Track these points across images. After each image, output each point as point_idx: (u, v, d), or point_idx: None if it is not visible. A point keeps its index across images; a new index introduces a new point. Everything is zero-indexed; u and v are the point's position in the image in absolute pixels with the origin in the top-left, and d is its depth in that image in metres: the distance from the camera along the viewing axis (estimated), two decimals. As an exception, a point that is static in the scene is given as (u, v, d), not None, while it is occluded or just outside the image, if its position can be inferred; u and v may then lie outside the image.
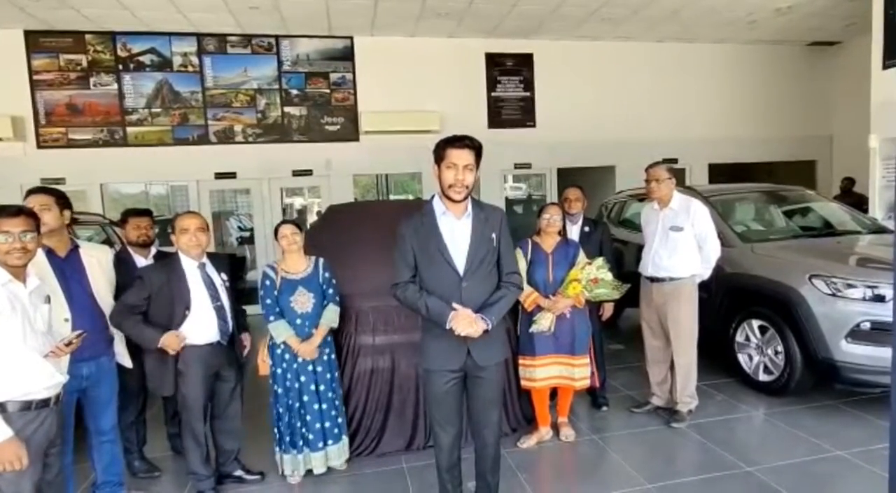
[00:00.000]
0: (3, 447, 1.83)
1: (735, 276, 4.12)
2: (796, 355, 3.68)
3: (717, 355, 4.35)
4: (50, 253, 2.47)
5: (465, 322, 2.14)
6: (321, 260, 3.11)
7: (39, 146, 6.95)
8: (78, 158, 6.98)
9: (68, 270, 2.52)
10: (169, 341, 2.67)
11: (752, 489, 2.81)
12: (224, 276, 2.86)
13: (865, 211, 5.73)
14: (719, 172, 8.82)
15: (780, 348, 3.80)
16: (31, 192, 2.57)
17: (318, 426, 3.00)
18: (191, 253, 2.75)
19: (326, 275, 3.09)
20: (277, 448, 3.07)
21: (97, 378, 2.58)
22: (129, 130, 7.17)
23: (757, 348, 4.01)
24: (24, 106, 6.86)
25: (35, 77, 6.89)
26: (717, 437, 3.38)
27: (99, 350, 2.59)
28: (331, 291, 3.08)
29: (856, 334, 3.42)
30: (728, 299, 4.19)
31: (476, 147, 2.22)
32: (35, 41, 6.85)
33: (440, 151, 2.23)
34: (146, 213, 3.28)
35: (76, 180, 6.97)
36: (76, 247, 2.61)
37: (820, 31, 8.32)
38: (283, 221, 3.10)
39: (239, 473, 3.04)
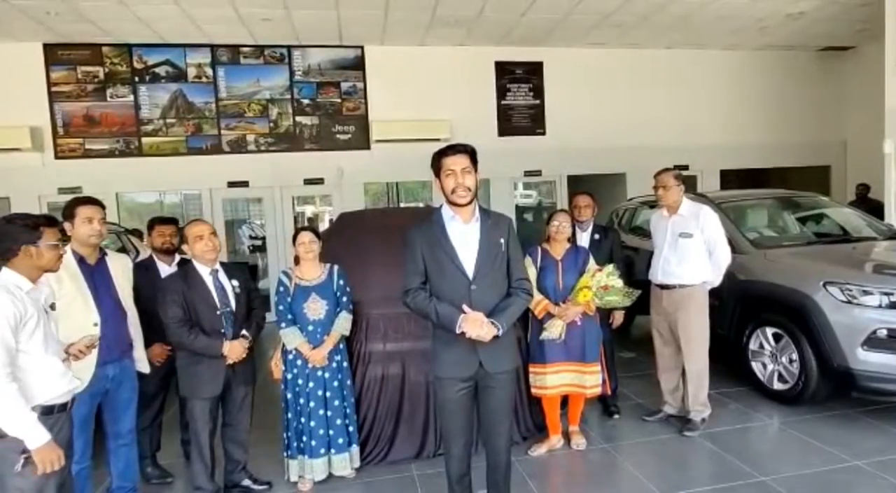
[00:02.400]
0: (46, 449, 1.90)
1: (748, 283, 4.08)
2: (811, 364, 3.62)
3: (730, 363, 4.30)
4: (81, 261, 2.57)
5: (476, 325, 2.15)
6: (336, 267, 3.14)
7: (57, 156, 7.08)
8: (94, 168, 7.09)
9: (98, 276, 2.61)
10: (233, 351, 2.75)
11: (766, 500, 2.78)
12: (235, 282, 2.89)
13: (881, 217, 5.66)
14: (731, 179, 8.76)
15: (794, 356, 3.75)
16: (83, 202, 2.61)
17: (321, 432, 3.00)
18: (206, 258, 2.79)
19: (341, 282, 3.11)
20: (285, 453, 3.09)
21: (120, 380, 2.66)
22: (145, 140, 7.30)
23: (771, 356, 3.96)
24: (43, 117, 7.01)
25: (53, 89, 7.04)
26: (731, 446, 3.34)
27: (122, 353, 2.68)
28: (344, 298, 3.11)
29: (872, 342, 3.37)
30: (741, 307, 4.14)
31: (469, 151, 2.26)
32: (53, 54, 7.00)
33: (436, 163, 2.28)
34: (172, 221, 3.39)
35: (92, 190, 6.99)
36: (104, 255, 2.71)
37: (832, 37, 8.25)
38: (302, 228, 3.14)
39: (246, 483, 3.04)
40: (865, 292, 3.44)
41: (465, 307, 2.18)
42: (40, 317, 1.98)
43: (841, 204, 5.51)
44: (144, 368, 2.82)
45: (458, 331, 2.16)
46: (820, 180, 9.00)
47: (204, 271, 2.82)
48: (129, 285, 2.78)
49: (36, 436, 1.88)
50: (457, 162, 2.23)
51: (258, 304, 3.04)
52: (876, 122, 6.10)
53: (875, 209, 6.22)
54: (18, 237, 1.97)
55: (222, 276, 2.87)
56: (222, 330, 2.79)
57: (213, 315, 2.77)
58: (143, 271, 3.11)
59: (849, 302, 3.46)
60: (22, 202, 6.71)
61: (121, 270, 2.75)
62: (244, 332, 2.88)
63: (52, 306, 2.18)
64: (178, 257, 3.34)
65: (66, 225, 2.49)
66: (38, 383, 1.97)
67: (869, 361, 3.36)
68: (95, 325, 2.49)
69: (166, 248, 3.27)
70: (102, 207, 2.66)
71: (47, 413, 1.99)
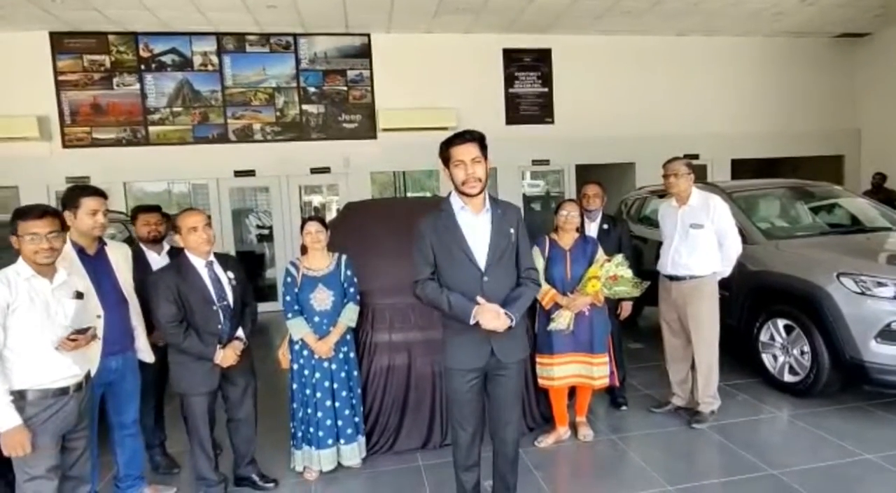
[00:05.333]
0: (10, 434, 1.97)
1: (759, 274, 4.02)
2: (823, 356, 3.58)
3: (740, 354, 4.26)
4: (81, 252, 2.53)
5: (491, 315, 2.13)
6: (344, 257, 3.10)
7: (65, 146, 7.09)
8: (102, 158, 7.11)
9: (98, 267, 2.58)
10: (226, 358, 2.70)
11: (776, 493, 2.75)
12: (231, 274, 2.80)
13: (896, 207, 5.56)
14: (743, 169, 8.64)
15: (806, 348, 3.70)
16: (87, 192, 2.56)
17: (328, 423, 3.00)
18: (201, 249, 2.69)
19: (348, 273, 3.08)
20: (292, 443, 3.09)
21: (123, 372, 2.65)
22: (151, 129, 7.29)
23: (782, 348, 3.92)
24: (50, 106, 7.01)
25: (60, 78, 7.04)
26: (740, 438, 3.31)
27: (126, 345, 2.66)
28: (352, 289, 3.08)
29: (886, 335, 3.32)
30: (751, 298, 4.09)
31: (477, 138, 2.20)
32: (60, 42, 6.99)
33: (444, 152, 2.23)
34: (155, 209, 3.28)
35: (100, 179, 7.05)
36: (103, 245, 2.67)
37: (847, 23, 8.08)
38: (310, 218, 3.10)
39: (254, 478, 3.00)
40: (880, 284, 3.38)
41: (479, 299, 2.15)
42: (35, 303, 2.04)
43: (855, 194, 5.40)
44: (148, 358, 2.80)
45: (472, 322, 2.13)
46: (833, 170, 8.85)
47: (199, 263, 2.71)
48: (129, 275, 2.73)
49: (3, 419, 1.95)
50: (466, 152, 2.17)
51: (250, 299, 2.94)
52: (891, 110, 5.99)
53: (890, 199, 6.12)
54: (12, 230, 2.07)
55: (218, 268, 2.76)
56: (219, 325, 2.71)
57: (208, 310, 2.68)
58: (133, 260, 2.95)
59: (862, 294, 3.40)
60: (30, 192, 6.75)
61: (122, 259, 2.71)
62: (239, 334, 2.82)
63: (80, 295, 2.22)
64: (167, 246, 3.26)
65: (67, 214, 2.41)
66: (28, 366, 2.04)
67: (882, 353, 3.31)
68: (99, 317, 2.45)
69: (153, 236, 3.18)
70: (105, 197, 2.62)
71: (42, 397, 2.05)
